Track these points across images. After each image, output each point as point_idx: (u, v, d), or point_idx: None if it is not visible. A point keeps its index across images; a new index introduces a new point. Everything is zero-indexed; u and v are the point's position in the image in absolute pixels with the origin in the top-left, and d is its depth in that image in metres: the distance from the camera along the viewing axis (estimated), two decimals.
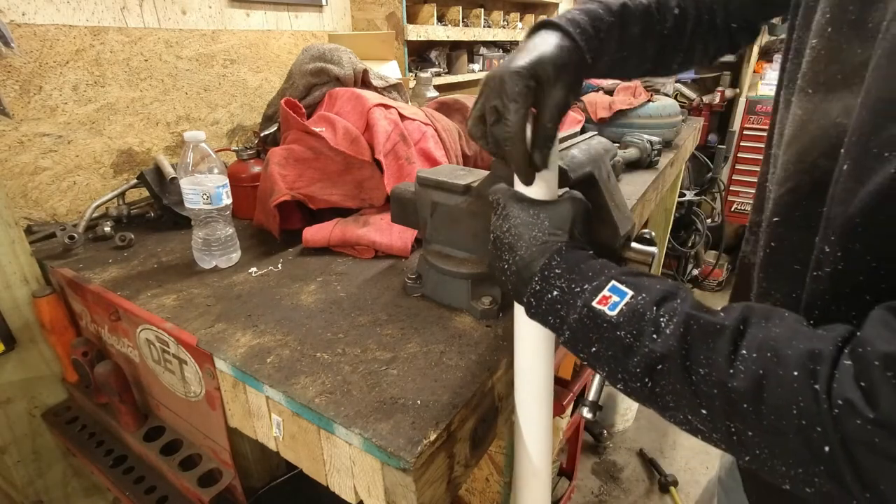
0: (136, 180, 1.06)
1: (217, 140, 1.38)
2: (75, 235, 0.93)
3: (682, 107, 1.69)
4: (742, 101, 3.15)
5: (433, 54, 2.30)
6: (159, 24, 1.20)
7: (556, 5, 3.15)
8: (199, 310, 0.73)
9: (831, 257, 0.35)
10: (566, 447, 1.61)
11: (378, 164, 0.92)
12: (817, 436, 0.29)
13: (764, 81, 3.17)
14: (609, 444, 2.06)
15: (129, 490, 0.81)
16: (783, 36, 0.46)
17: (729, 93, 3.22)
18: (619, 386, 0.40)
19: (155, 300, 0.76)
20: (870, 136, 0.32)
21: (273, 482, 1.16)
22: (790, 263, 0.42)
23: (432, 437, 0.49)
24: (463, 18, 2.33)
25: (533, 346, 0.56)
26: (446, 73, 2.32)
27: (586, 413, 0.66)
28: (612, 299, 0.39)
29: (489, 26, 2.52)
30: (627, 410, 2.08)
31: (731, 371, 0.32)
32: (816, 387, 0.29)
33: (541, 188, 0.50)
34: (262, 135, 1.16)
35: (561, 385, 1.16)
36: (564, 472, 1.64)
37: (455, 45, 2.42)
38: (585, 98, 1.56)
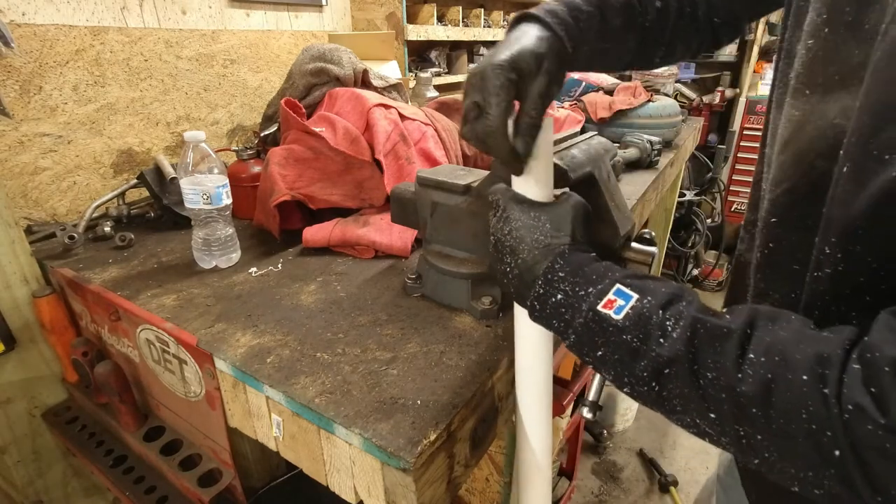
0: (136, 180, 1.06)
1: (217, 140, 1.38)
2: (75, 235, 0.93)
3: (682, 107, 1.69)
4: (742, 101, 3.15)
5: (433, 54, 2.30)
6: (159, 24, 1.20)
7: None
8: (199, 310, 0.73)
9: (831, 258, 0.35)
10: (566, 447, 1.61)
11: (378, 164, 0.92)
12: (827, 440, 0.29)
13: (764, 81, 3.17)
14: (609, 444, 2.06)
15: (129, 490, 0.81)
16: None
17: (729, 93, 3.22)
18: (625, 390, 0.40)
19: (155, 300, 0.76)
20: (870, 139, 0.32)
21: (273, 482, 1.16)
22: (788, 264, 0.42)
23: (432, 437, 0.49)
24: (463, 18, 2.33)
25: (533, 345, 0.56)
26: (446, 73, 2.32)
27: (586, 413, 0.66)
28: (618, 303, 0.39)
29: (489, 26, 2.52)
30: (627, 410, 2.08)
31: (740, 375, 0.32)
32: (825, 391, 0.29)
33: (538, 187, 0.50)
34: (262, 135, 1.16)
35: (561, 385, 1.16)
36: (564, 472, 1.64)
37: (455, 45, 2.43)
38: (585, 98, 1.56)
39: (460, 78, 2.32)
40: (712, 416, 0.34)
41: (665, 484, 1.84)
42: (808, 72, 0.39)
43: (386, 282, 0.80)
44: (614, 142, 1.24)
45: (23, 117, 0.99)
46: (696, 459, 2.00)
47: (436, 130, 1.02)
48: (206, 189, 0.79)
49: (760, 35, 3.07)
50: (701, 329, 0.35)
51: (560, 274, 0.43)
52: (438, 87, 1.83)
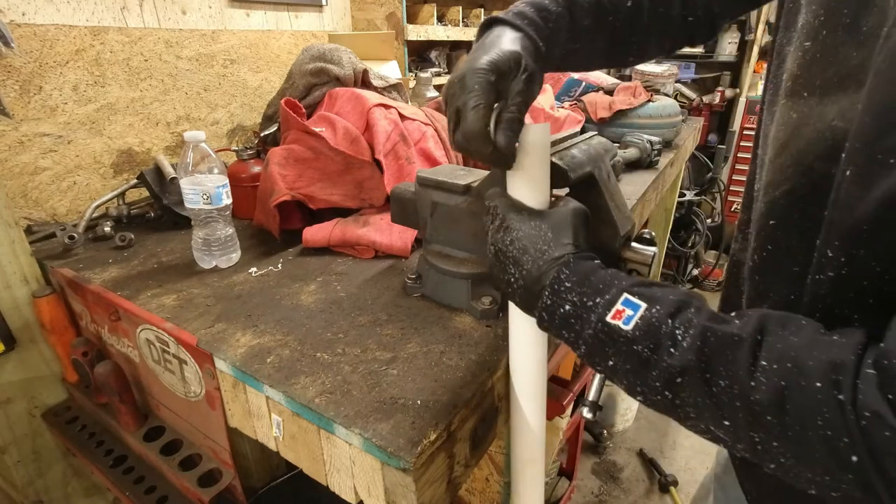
0: (136, 180, 1.06)
1: (217, 140, 1.38)
2: (75, 235, 0.93)
3: (682, 107, 1.69)
4: (742, 101, 3.15)
5: (433, 54, 2.30)
6: (159, 24, 1.20)
7: None
8: (199, 310, 0.73)
9: (834, 262, 0.35)
10: (566, 447, 1.61)
11: (378, 164, 0.92)
12: (844, 446, 0.29)
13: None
14: (609, 444, 2.06)
15: (129, 490, 0.81)
16: None
17: (729, 93, 3.22)
18: (638, 398, 0.40)
19: (155, 300, 0.76)
20: (874, 142, 0.32)
21: (273, 482, 1.17)
22: (788, 266, 0.42)
23: (432, 437, 0.49)
24: (463, 18, 2.33)
25: (528, 346, 0.56)
26: (446, 73, 2.32)
27: (586, 413, 0.66)
28: (626, 313, 0.39)
29: None
30: (627, 410, 2.08)
31: (753, 383, 0.32)
32: (841, 397, 0.29)
33: (536, 192, 0.49)
34: (262, 135, 1.16)
35: (561, 385, 1.17)
36: (564, 472, 1.64)
37: (455, 45, 2.43)
38: (585, 98, 1.56)
39: None
40: (726, 423, 0.34)
41: (665, 484, 1.84)
42: (806, 74, 0.39)
43: (386, 282, 0.80)
44: (614, 142, 1.24)
45: (23, 117, 0.99)
46: (696, 459, 2.00)
47: (436, 130, 1.02)
48: (206, 189, 0.79)
49: (760, 35, 3.07)
50: (711, 337, 0.35)
51: (566, 284, 0.43)
52: (438, 87, 1.83)
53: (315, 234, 0.90)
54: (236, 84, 1.39)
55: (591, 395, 0.68)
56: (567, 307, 0.42)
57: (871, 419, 0.28)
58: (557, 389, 1.14)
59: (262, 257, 0.89)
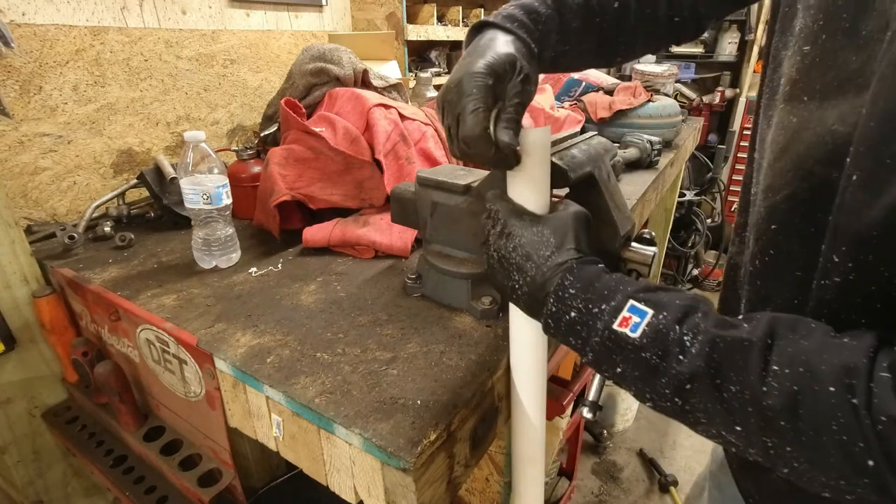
0: (136, 180, 1.06)
1: (217, 140, 1.38)
2: (75, 235, 0.93)
3: (682, 107, 1.69)
4: (742, 101, 3.15)
5: (433, 54, 2.30)
6: (159, 24, 1.20)
7: None
8: (199, 310, 0.73)
9: (841, 267, 0.35)
10: (566, 447, 1.61)
11: (378, 164, 0.92)
12: (860, 450, 0.29)
13: None
14: (609, 444, 2.06)
15: (129, 490, 0.81)
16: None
17: (729, 93, 3.22)
18: (647, 404, 0.40)
19: (155, 300, 0.76)
20: (881, 147, 0.31)
21: (273, 482, 1.17)
22: (790, 271, 0.42)
23: (432, 437, 0.49)
24: (463, 18, 2.33)
25: (528, 346, 0.56)
26: (446, 73, 2.32)
27: (586, 413, 0.66)
28: (633, 320, 0.39)
29: None
30: (627, 410, 2.08)
31: (765, 389, 0.32)
32: (855, 402, 0.29)
33: (536, 194, 0.49)
34: (262, 135, 1.16)
35: (561, 385, 1.17)
36: (564, 472, 1.64)
37: (455, 45, 2.43)
38: (585, 98, 1.56)
39: None
40: (738, 428, 0.34)
41: (665, 484, 1.84)
42: (805, 78, 0.39)
43: (386, 282, 0.80)
44: (614, 142, 1.24)
45: (23, 117, 0.99)
46: (695, 459, 2.00)
47: (436, 130, 1.02)
48: (206, 189, 0.79)
49: (760, 35, 3.07)
50: (720, 343, 0.35)
51: (571, 291, 0.42)
52: (438, 87, 1.83)
53: (315, 234, 0.90)
54: (236, 84, 1.39)
55: (591, 395, 0.69)
56: (572, 314, 0.42)
57: (888, 423, 0.28)
58: (557, 389, 1.14)
59: (262, 257, 0.89)
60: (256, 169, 1.03)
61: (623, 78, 2.00)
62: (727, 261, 0.57)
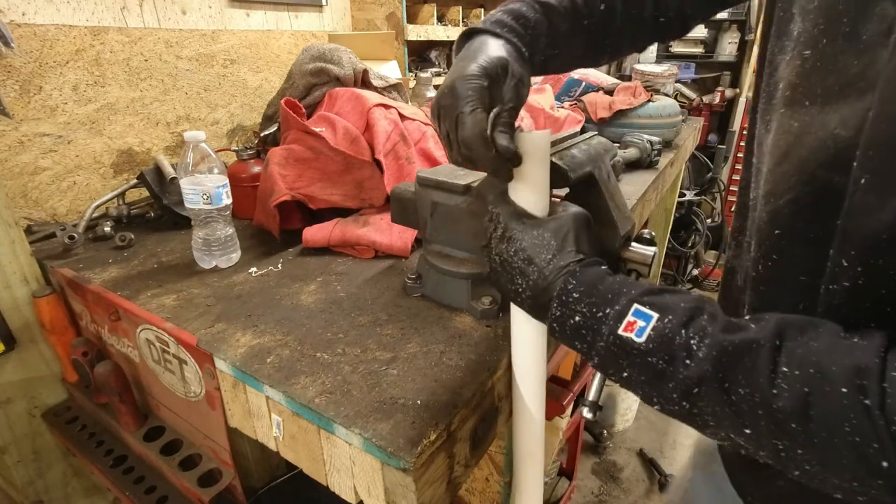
0: (136, 180, 1.06)
1: (217, 140, 1.38)
2: (75, 235, 0.93)
3: (682, 107, 1.69)
4: (742, 101, 3.16)
5: (433, 54, 2.30)
6: (159, 24, 1.20)
7: None
8: (199, 310, 0.73)
9: (850, 271, 0.35)
10: (566, 447, 1.61)
11: (378, 164, 0.92)
12: (874, 452, 0.29)
13: None
14: (609, 444, 2.06)
15: (129, 490, 0.81)
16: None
17: (729, 93, 3.23)
18: (655, 408, 0.40)
19: (155, 300, 0.76)
20: (891, 151, 0.31)
21: (273, 482, 1.17)
22: (795, 276, 0.41)
23: (432, 437, 0.49)
24: (463, 18, 2.33)
25: (529, 345, 0.56)
26: (446, 73, 2.32)
27: (586, 413, 0.66)
28: (638, 324, 0.38)
29: None
30: (627, 410, 2.08)
31: (775, 391, 0.32)
32: (867, 402, 0.29)
33: (536, 196, 0.50)
34: (262, 135, 1.16)
35: (561, 385, 1.17)
36: (564, 472, 1.64)
37: None
38: (585, 98, 1.56)
39: None
40: (748, 431, 0.34)
41: (665, 484, 1.84)
42: (805, 83, 0.39)
43: (386, 282, 0.80)
44: (614, 142, 1.24)
45: (23, 117, 0.99)
46: None
47: (436, 130, 1.02)
48: (206, 189, 0.79)
49: (760, 35, 3.07)
50: (728, 346, 0.35)
51: (574, 295, 0.42)
52: (438, 87, 1.83)
53: (315, 234, 0.90)
54: (236, 84, 1.39)
55: (591, 395, 0.69)
56: (577, 318, 0.42)
57: None
58: (557, 389, 1.14)
59: (262, 257, 0.89)
60: (256, 169, 1.03)
61: (623, 78, 2.00)
62: (724, 265, 0.57)
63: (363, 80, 1.13)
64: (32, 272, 0.89)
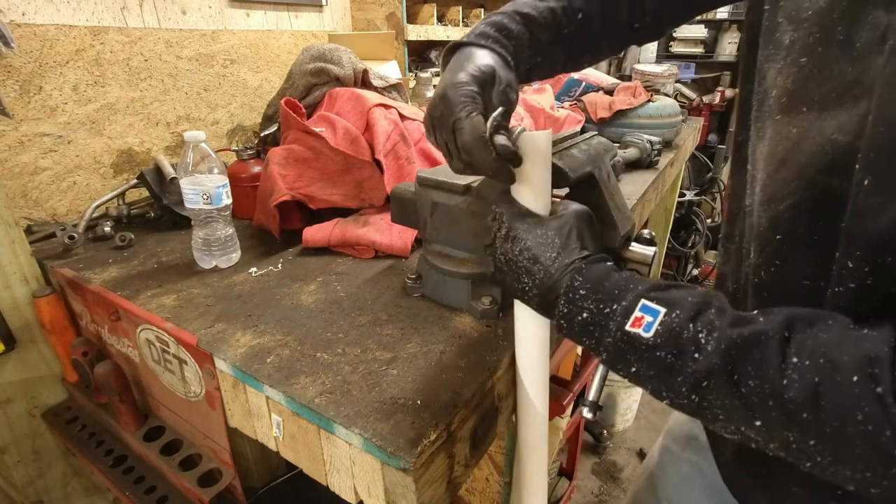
0: (136, 180, 1.06)
1: (217, 140, 1.38)
2: (75, 235, 0.93)
3: (682, 107, 1.69)
4: None
5: (433, 54, 2.30)
6: (159, 24, 1.20)
7: None
8: (199, 310, 0.73)
9: (856, 273, 0.35)
10: (566, 447, 1.61)
11: (378, 164, 0.92)
12: (886, 440, 0.29)
13: None
14: (609, 444, 2.06)
15: (129, 490, 0.81)
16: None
17: (729, 93, 3.23)
18: (664, 402, 0.40)
19: (155, 300, 0.76)
20: (892, 152, 0.32)
21: (273, 482, 1.17)
22: (798, 280, 0.42)
23: (432, 437, 0.49)
24: (463, 18, 2.33)
25: (533, 341, 0.57)
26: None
27: (586, 413, 0.66)
28: (646, 320, 0.39)
29: None
30: (627, 410, 2.08)
31: (785, 382, 0.32)
32: (879, 391, 0.29)
33: (537, 197, 0.50)
34: (262, 135, 1.16)
35: (561, 385, 1.16)
36: (564, 472, 1.64)
37: None
38: (585, 98, 1.56)
39: None
40: (758, 423, 0.34)
41: None
42: (802, 89, 0.39)
43: (386, 282, 0.80)
44: (614, 142, 1.24)
45: (23, 117, 0.99)
46: None
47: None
48: (206, 189, 0.79)
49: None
50: (737, 339, 0.35)
51: (581, 292, 0.43)
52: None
53: (315, 234, 0.90)
54: (236, 84, 1.39)
55: (591, 395, 0.68)
56: (584, 315, 0.42)
57: None
58: (557, 389, 1.14)
59: (262, 257, 0.89)
60: (256, 169, 1.03)
61: (623, 78, 2.00)
62: (716, 271, 0.57)
63: (363, 80, 1.13)
64: (32, 272, 0.89)
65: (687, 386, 0.36)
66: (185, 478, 0.74)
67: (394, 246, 0.87)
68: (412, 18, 2.08)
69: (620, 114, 1.49)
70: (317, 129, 0.92)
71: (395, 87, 1.18)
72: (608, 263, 0.45)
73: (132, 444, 0.85)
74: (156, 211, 1.08)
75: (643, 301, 0.40)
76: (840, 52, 0.36)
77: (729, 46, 3.17)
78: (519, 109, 1.30)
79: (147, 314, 0.72)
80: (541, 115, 1.37)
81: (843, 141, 0.36)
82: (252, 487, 1.15)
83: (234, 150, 1.07)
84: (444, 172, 0.70)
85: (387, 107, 0.97)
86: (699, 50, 3.25)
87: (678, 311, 0.38)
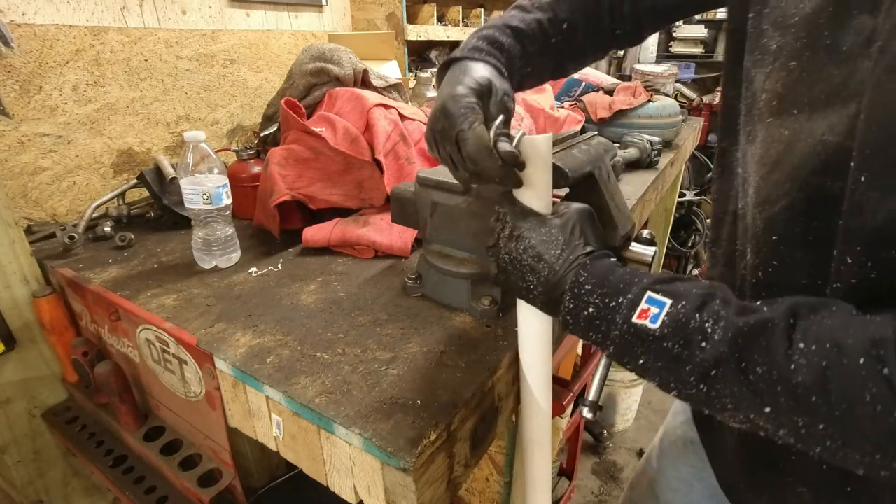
0: (136, 180, 1.06)
1: (217, 140, 1.38)
2: (75, 235, 0.93)
3: (682, 107, 1.69)
4: None
5: (433, 54, 2.30)
6: (159, 24, 1.20)
7: None
8: (199, 310, 0.73)
9: (856, 267, 0.35)
10: (566, 447, 1.61)
11: (378, 164, 0.92)
12: (894, 420, 0.29)
13: None
14: (609, 444, 2.06)
15: (129, 490, 0.81)
16: None
17: None
18: (672, 393, 0.40)
19: (155, 300, 0.76)
20: (888, 149, 0.32)
21: (273, 482, 1.17)
22: (797, 279, 0.42)
23: (432, 437, 0.49)
24: (463, 18, 2.33)
25: (536, 339, 0.57)
26: None
27: (586, 413, 0.66)
28: (652, 311, 0.39)
29: None
30: (627, 410, 2.08)
31: (793, 367, 0.32)
32: (885, 371, 0.29)
33: (538, 199, 0.50)
34: (262, 135, 1.16)
35: (561, 385, 1.16)
36: (564, 472, 1.64)
37: (455, 46, 2.43)
38: (585, 98, 1.56)
39: None
40: (767, 410, 0.34)
41: None
42: (792, 93, 0.40)
43: (386, 282, 0.80)
44: (614, 142, 1.24)
45: (23, 117, 0.99)
46: None
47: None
48: (206, 189, 0.79)
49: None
50: (743, 327, 0.35)
51: (586, 287, 0.43)
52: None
53: (315, 234, 0.90)
54: (236, 84, 1.39)
55: (591, 395, 0.68)
56: (590, 309, 0.43)
57: None
58: (557, 389, 1.14)
59: (262, 257, 0.89)
60: (256, 169, 1.03)
61: (623, 78, 2.00)
62: (706, 275, 0.57)
63: (363, 80, 1.13)
64: (32, 272, 0.89)
65: (695, 375, 0.37)
66: (185, 478, 0.74)
67: (394, 246, 0.87)
68: (412, 18, 2.08)
69: (620, 114, 1.49)
70: (317, 129, 0.92)
71: (395, 87, 1.18)
72: (612, 259, 0.46)
73: (132, 444, 0.85)
74: (156, 211, 1.08)
75: (649, 293, 0.40)
76: (827, 56, 0.37)
77: None
78: (519, 109, 1.30)
79: (147, 314, 0.72)
80: (541, 115, 1.37)
81: (833, 141, 0.37)
82: (252, 487, 1.15)
83: (234, 150, 1.07)
84: (443, 172, 0.70)
85: (387, 107, 0.97)
86: (699, 50, 3.26)
87: (684, 302, 0.38)
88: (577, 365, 1.32)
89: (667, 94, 1.79)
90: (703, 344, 0.36)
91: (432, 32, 2.02)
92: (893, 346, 0.29)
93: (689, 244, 3.05)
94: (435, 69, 2.24)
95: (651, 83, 1.90)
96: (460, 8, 2.30)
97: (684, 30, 3.77)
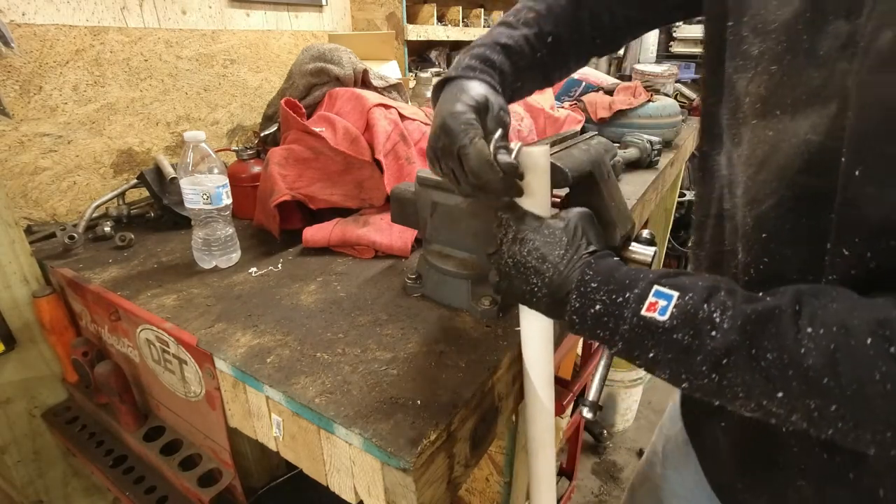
0: (136, 180, 1.06)
1: (217, 140, 1.38)
2: (75, 235, 0.93)
3: (682, 107, 1.69)
4: None
5: (433, 54, 2.30)
6: (159, 24, 1.20)
7: None
8: (199, 310, 0.73)
9: (854, 259, 0.36)
10: (566, 447, 1.61)
11: (378, 164, 0.92)
12: None
13: None
14: (609, 444, 2.06)
15: (129, 490, 0.81)
16: None
17: None
18: (683, 386, 0.40)
19: (155, 300, 0.76)
20: (882, 143, 0.33)
21: (273, 482, 1.17)
22: (789, 275, 0.43)
23: (432, 437, 0.49)
24: (463, 18, 2.33)
25: (539, 337, 0.57)
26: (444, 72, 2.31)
27: (586, 413, 0.66)
28: (660, 304, 0.40)
29: (489, 26, 2.52)
30: (627, 410, 2.08)
31: (803, 350, 0.33)
32: (892, 350, 0.30)
33: (539, 205, 0.51)
34: (262, 135, 1.16)
35: (561, 385, 1.17)
36: (564, 472, 1.64)
37: (455, 45, 2.43)
38: (585, 98, 1.56)
39: None
40: (780, 395, 0.35)
41: None
42: (774, 96, 0.41)
43: (386, 282, 0.80)
44: (614, 142, 1.25)
45: (23, 117, 0.99)
46: None
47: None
48: (206, 189, 0.79)
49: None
50: (752, 314, 0.36)
51: (593, 285, 0.44)
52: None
53: (315, 234, 0.90)
54: (236, 84, 1.39)
55: (591, 395, 0.68)
56: (598, 307, 0.43)
57: None
58: (558, 389, 1.14)
59: (262, 257, 0.89)
60: (256, 169, 1.03)
61: (623, 78, 2.00)
62: None
63: (363, 80, 1.13)
64: (32, 272, 0.89)
65: (707, 365, 0.37)
66: (185, 478, 0.74)
67: (394, 246, 0.87)
68: (412, 18, 2.08)
69: (620, 114, 1.49)
70: (317, 129, 0.92)
71: (395, 87, 1.18)
72: (616, 258, 0.47)
73: (132, 444, 0.85)
74: (156, 211, 1.08)
75: (656, 287, 0.41)
76: (806, 59, 0.39)
77: None
78: (519, 109, 1.30)
79: (147, 314, 0.72)
80: (541, 115, 1.37)
81: (816, 140, 0.38)
82: (252, 487, 1.15)
83: (234, 150, 1.07)
84: None
85: (387, 107, 0.97)
86: (699, 50, 3.25)
87: (691, 294, 0.39)
88: (576, 365, 1.32)
89: (667, 94, 1.79)
90: (713, 333, 0.37)
91: (432, 32, 2.02)
92: None
93: (689, 244, 3.05)
94: (435, 69, 2.24)
95: (651, 83, 1.91)
96: (460, 8, 2.30)
97: (684, 30, 3.77)
